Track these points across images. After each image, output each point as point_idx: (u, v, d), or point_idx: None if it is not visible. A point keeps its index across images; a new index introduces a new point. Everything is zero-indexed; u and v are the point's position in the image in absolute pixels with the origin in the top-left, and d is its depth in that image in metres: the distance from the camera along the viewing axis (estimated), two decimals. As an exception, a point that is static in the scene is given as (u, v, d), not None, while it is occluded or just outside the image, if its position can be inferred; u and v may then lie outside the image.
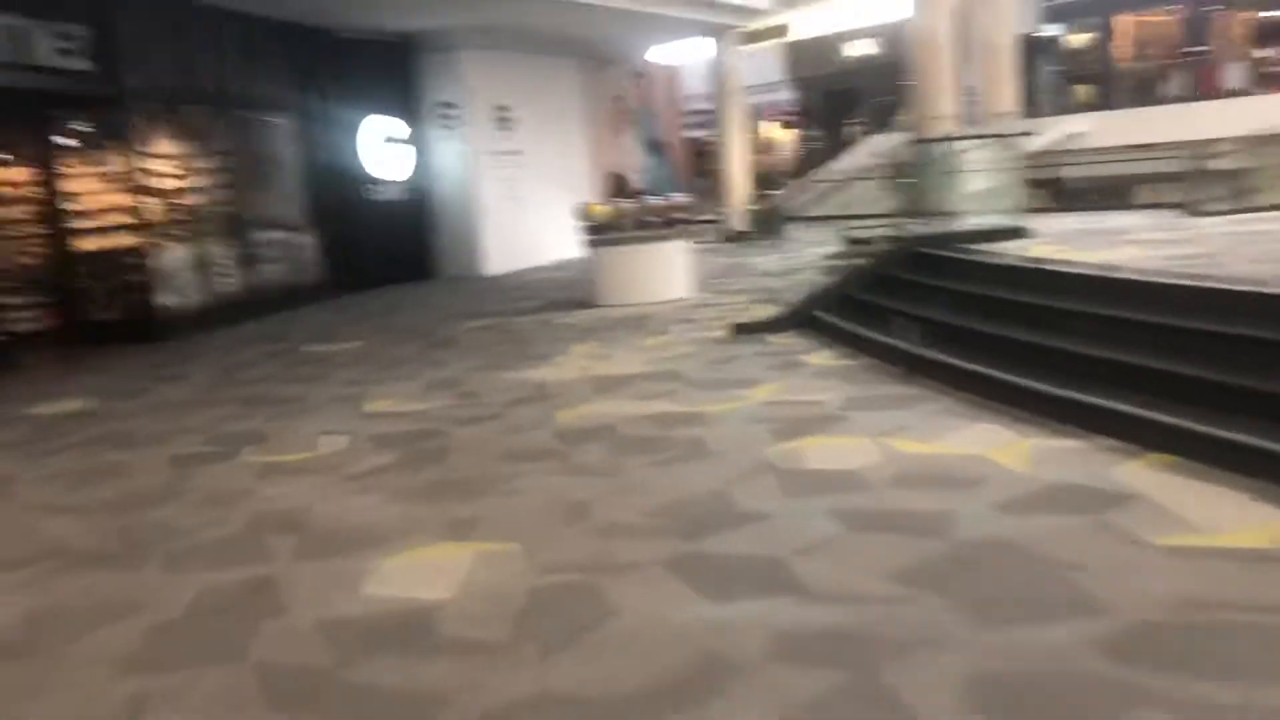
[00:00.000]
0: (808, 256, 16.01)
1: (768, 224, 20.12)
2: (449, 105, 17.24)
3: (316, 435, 6.85)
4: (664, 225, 12.05)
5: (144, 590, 4.36)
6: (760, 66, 35.65)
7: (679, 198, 12.19)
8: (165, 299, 12.35)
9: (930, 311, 8.17)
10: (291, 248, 15.06)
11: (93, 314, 12.41)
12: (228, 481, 5.92)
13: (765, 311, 10.29)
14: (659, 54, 21.89)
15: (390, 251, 16.72)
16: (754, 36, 23.48)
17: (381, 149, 16.71)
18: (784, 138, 41.89)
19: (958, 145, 11.38)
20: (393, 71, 17.11)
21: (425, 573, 4.32)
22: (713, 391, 7.17)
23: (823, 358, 8.11)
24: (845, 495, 4.82)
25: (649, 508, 4.86)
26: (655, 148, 22.12)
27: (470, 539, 4.66)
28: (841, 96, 37.34)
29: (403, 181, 17.09)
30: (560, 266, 17.78)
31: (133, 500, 5.70)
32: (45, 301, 12.76)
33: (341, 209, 16.06)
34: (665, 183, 22.00)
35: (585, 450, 5.94)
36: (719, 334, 9.46)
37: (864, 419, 6.17)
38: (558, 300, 13.05)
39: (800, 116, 39.08)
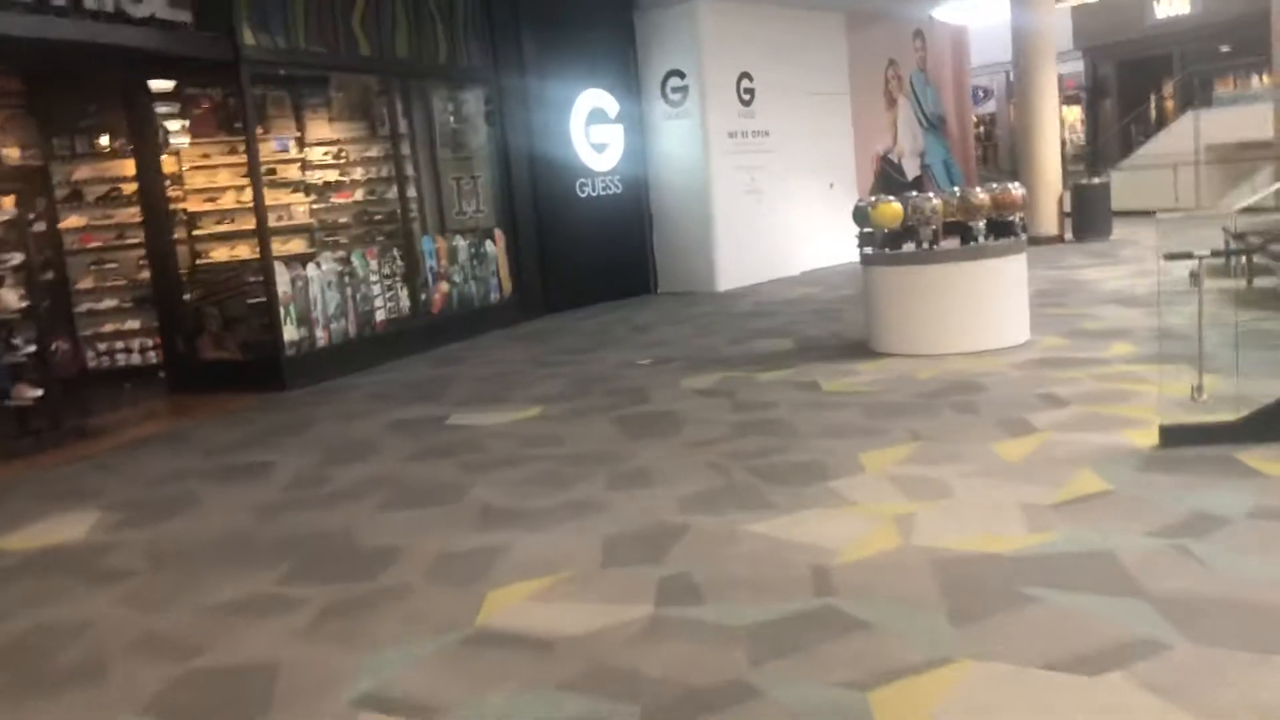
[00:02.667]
0: (1166, 270, 11.32)
1: (1089, 222, 15.35)
2: (679, 75, 13.56)
3: (355, 713, 3.23)
4: (991, 231, 7.86)
5: None
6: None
7: (1013, 189, 7.98)
8: (296, 332, 9.25)
9: None
10: (477, 258, 11.80)
11: (203, 349, 9.46)
12: None
13: (1178, 381, 5.99)
14: (945, 10, 17.50)
15: (599, 261, 13.21)
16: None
17: (594, 132, 13.23)
18: (1068, 116, 36.05)
19: None
20: (613, 34, 13.58)
21: None
22: (1232, 653, 3.06)
23: None
24: None
25: None
26: (935, 126, 17.69)
27: None
28: (1144, 66, 31.45)
29: (617, 172, 13.56)
30: (810, 280, 13.78)
31: None
32: (148, 331, 10.01)
33: (543, 208, 12.67)
34: (945, 169, 17.59)
35: None
36: (1136, 435, 5.26)
37: None
38: (820, 340, 9.09)
39: (1089, 91, 33.32)
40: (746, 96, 14.00)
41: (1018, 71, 15.82)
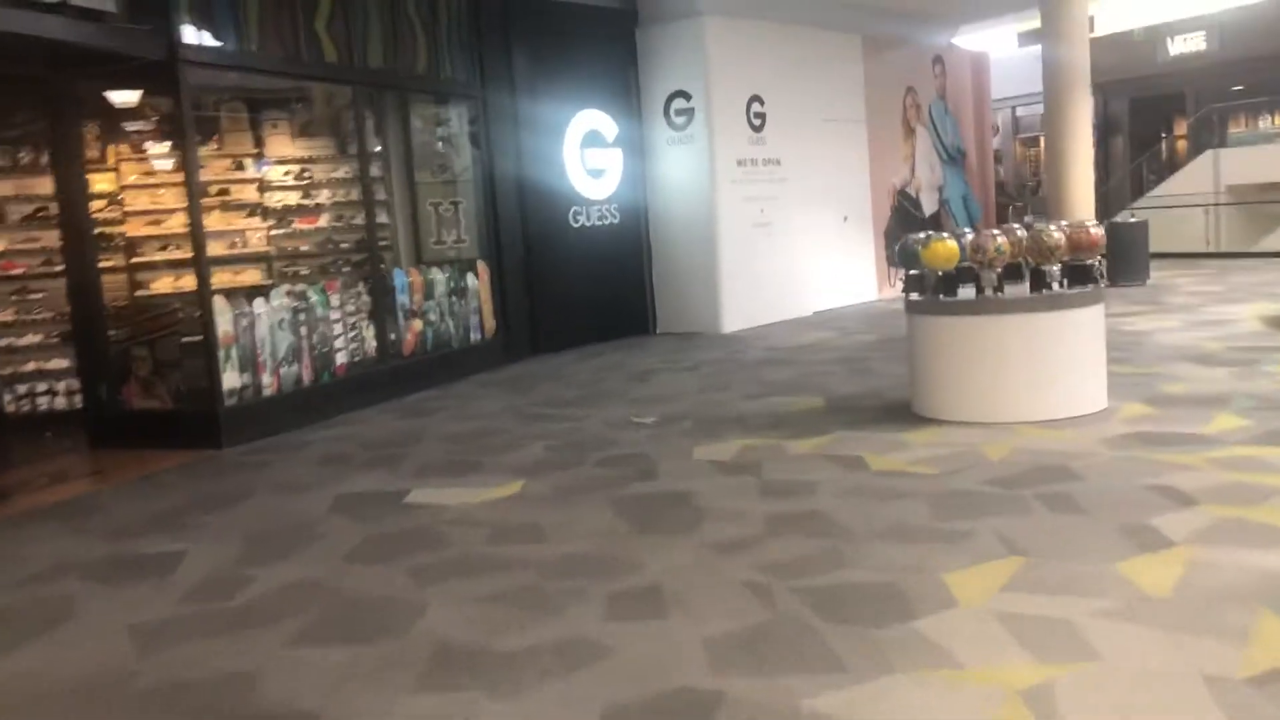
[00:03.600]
0: (1228, 320, 10.10)
1: (1126, 265, 14.13)
2: (684, 96, 12.33)
3: None
4: (1071, 276, 6.57)
5: None
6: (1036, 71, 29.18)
7: (1091, 228, 6.72)
8: (239, 378, 7.90)
9: None
10: (456, 293, 10.49)
11: (130, 396, 8.10)
12: None
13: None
14: (966, 37, 16.38)
15: (594, 298, 11.93)
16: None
17: (590, 156, 11.97)
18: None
19: None
20: (612, 50, 12.36)
21: None
22: None
23: None
24: None
25: None
26: (954, 159, 16.50)
27: None
28: (1157, 104, 30.53)
29: (615, 201, 12.29)
30: (825, 323, 12.51)
31: None
32: (68, 373, 8.67)
33: (532, 238, 11.39)
34: (964, 205, 16.39)
35: None
36: (1309, 558, 3.95)
37: None
38: (853, 399, 7.77)
39: (1100, 129, 32.38)
40: (757, 121, 12.77)
41: (1048, 105, 14.63)
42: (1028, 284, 6.62)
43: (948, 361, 6.66)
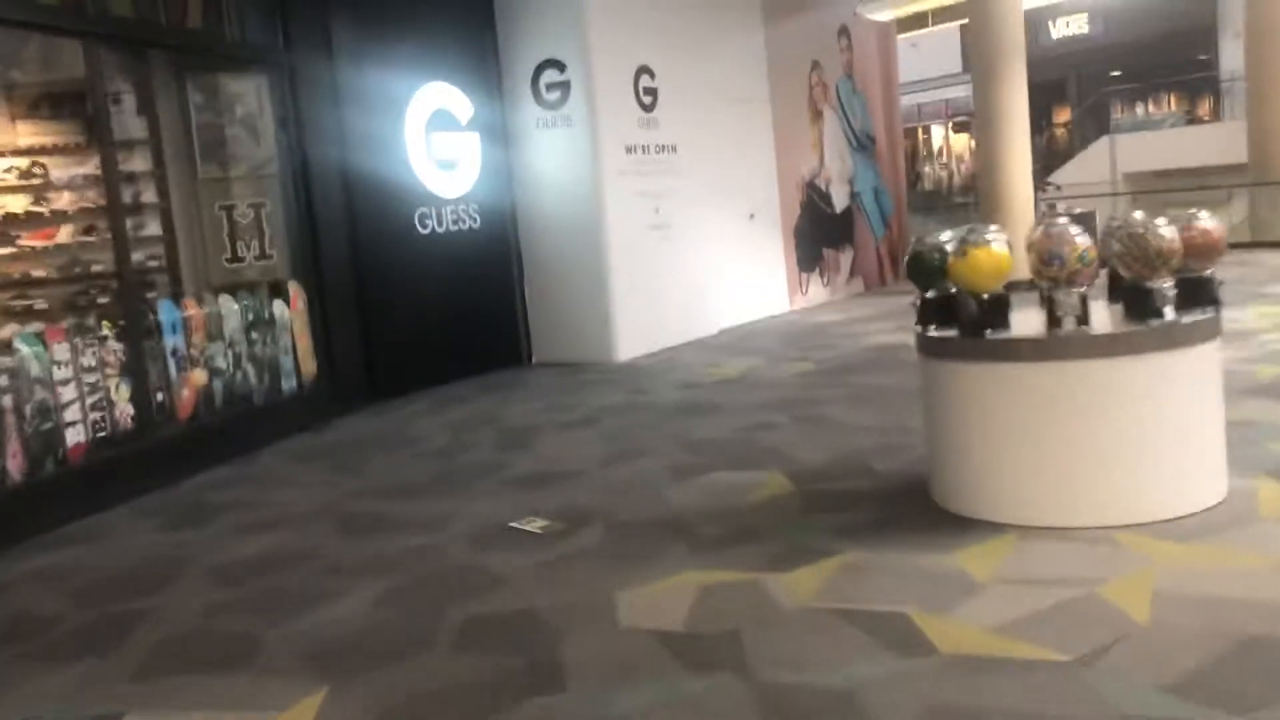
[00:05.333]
0: (1246, 332, 8.06)
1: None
2: (557, 66, 9.78)
3: None
4: (1184, 294, 4.28)
5: None
6: (924, 58, 27.71)
7: (1209, 225, 4.45)
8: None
9: None
10: (257, 327, 7.70)
11: None
12: None
13: None
14: (872, 7, 14.31)
15: (450, 323, 9.26)
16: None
17: (439, 143, 9.29)
18: (955, 145, 33.89)
19: None
20: (463, 7, 9.74)
21: None
22: None
23: None
24: None
25: None
26: (864, 145, 14.38)
27: None
28: (1040, 90, 29.41)
29: (473, 200, 9.64)
30: (738, 344, 10.18)
31: None
32: None
33: (364, 250, 8.67)
34: (875, 198, 14.32)
35: None
36: None
37: None
38: (827, 474, 5.33)
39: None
40: (647, 99, 10.31)
41: (977, 85, 12.75)
42: (1120, 308, 4.32)
43: (1003, 433, 4.29)
